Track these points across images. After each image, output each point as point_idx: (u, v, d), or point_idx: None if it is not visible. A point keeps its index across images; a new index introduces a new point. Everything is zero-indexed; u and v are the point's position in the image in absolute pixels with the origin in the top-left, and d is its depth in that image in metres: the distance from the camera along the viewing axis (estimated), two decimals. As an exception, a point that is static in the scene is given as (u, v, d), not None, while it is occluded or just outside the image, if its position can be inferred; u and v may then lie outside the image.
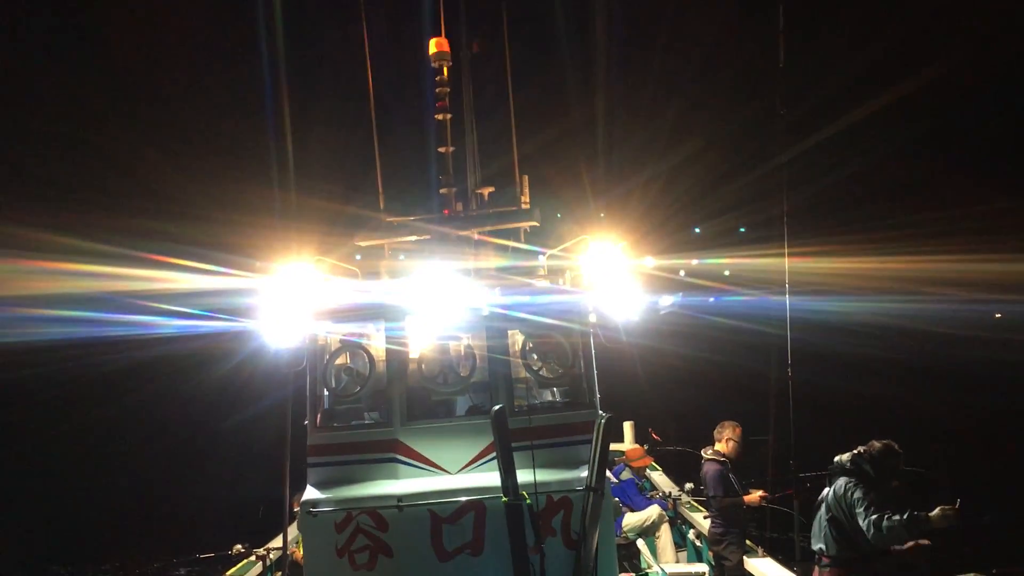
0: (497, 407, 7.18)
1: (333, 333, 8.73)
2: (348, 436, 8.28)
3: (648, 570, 11.24)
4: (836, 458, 7.66)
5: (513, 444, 7.15)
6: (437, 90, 9.70)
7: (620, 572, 9.09)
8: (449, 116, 9.70)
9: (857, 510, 7.15)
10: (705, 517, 12.18)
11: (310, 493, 7.77)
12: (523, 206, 9.88)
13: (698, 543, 12.97)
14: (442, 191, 9.74)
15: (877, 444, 7.54)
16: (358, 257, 9.18)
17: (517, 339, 8.86)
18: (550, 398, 8.84)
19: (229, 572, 11.62)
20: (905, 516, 6.90)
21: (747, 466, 11.13)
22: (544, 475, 7.30)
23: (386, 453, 8.04)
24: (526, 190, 9.91)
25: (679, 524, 13.71)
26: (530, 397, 8.60)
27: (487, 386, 8.36)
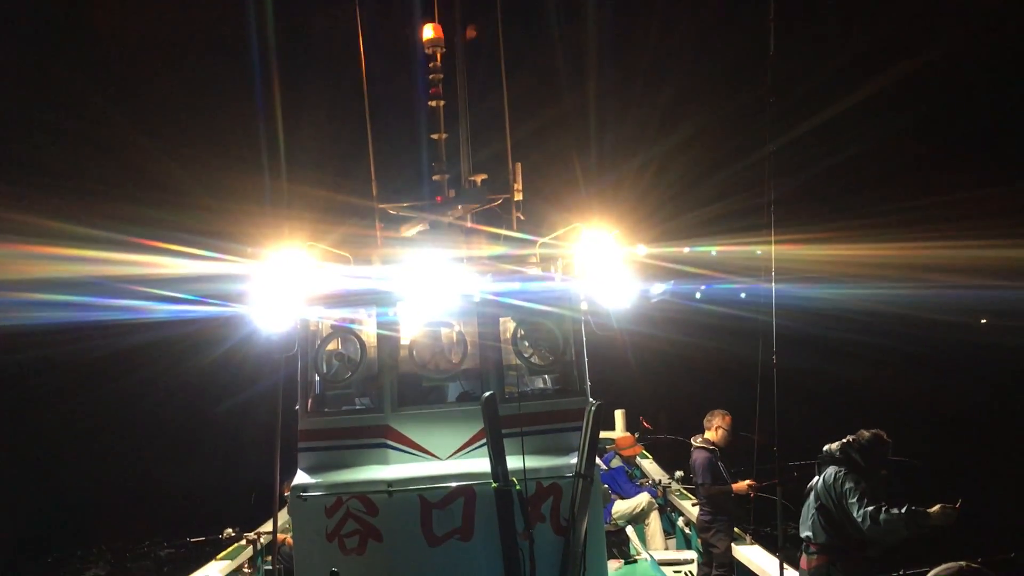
0: (488, 394, 7.20)
1: (324, 319, 8.74)
2: (339, 421, 8.30)
3: (637, 556, 11.30)
4: (825, 447, 7.68)
5: (504, 430, 7.18)
6: (431, 76, 9.68)
7: (609, 558, 9.14)
8: (443, 103, 9.69)
9: (850, 500, 7.14)
10: (694, 505, 12.26)
11: (300, 478, 7.79)
12: (516, 194, 9.89)
13: (687, 530, 13.06)
14: (435, 178, 9.74)
15: (866, 433, 7.57)
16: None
17: (509, 326, 8.87)
18: (541, 385, 8.87)
19: (219, 555, 11.65)
20: (903, 510, 6.86)
21: (737, 454, 11.19)
22: (534, 461, 7.33)
23: (376, 438, 8.06)
24: (519, 177, 9.92)
25: (668, 511, 13.80)
26: (521, 384, 8.63)
27: (478, 373, 8.38)
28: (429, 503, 7.45)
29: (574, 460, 7.48)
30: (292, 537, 9.21)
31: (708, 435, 11.11)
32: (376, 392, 8.31)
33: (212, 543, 11.53)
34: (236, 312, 8.58)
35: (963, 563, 3.59)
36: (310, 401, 8.38)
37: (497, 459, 7.16)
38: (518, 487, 7.21)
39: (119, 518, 22.71)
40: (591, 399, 7.97)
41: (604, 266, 8.36)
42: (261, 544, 11.88)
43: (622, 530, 11.94)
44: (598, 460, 7.68)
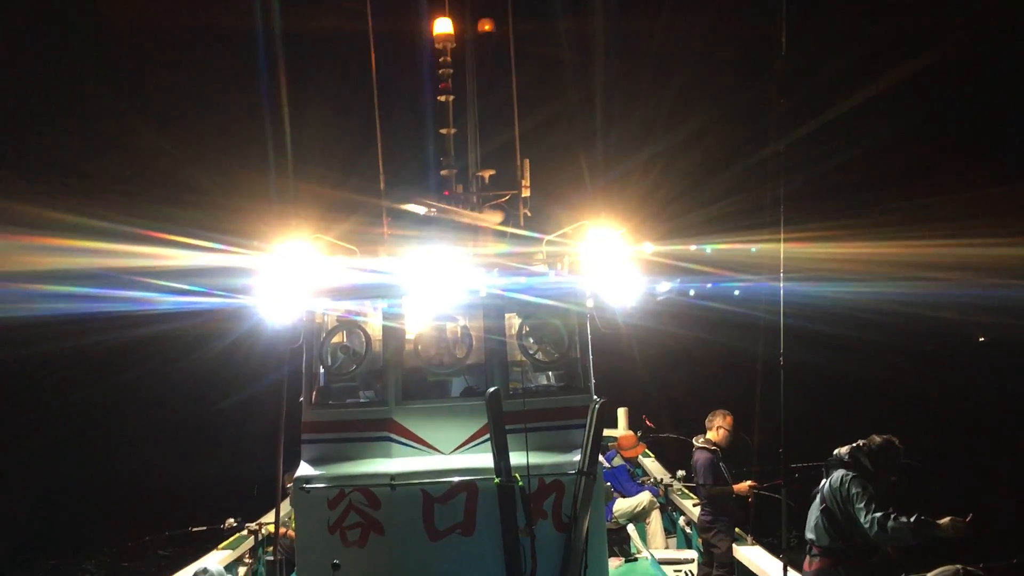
0: (492, 389, 7.21)
1: (330, 311, 8.75)
2: (343, 414, 8.31)
3: (638, 555, 11.31)
4: (835, 451, 7.61)
5: (507, 426, 7.19)
6: (440, 71, 9.67)
7: (610, 556, 9.15)
8: (452, 98, 9.69)
9: (857, 505, 7.06)
10: (695, 505, 12.25)
11: (303, 469, 7.80)
12: (524, 190, 9.89)
13: (688, 530, 13.05)
14: (443, 173, 9.74)
15: (877, 438, 7.47)
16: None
17: (513, 322, 8.88)
18: (545, 382, 8.87)
19: (221, 545, 11.68)
20: (912, 519, 6.76)
21: (739, 455, 11.17)
22: (537, 458, 7.34)
23: (380, 432, 8.07)
24: (527, 173, 9.92)
25: (669, 511, 13.78)
26: (525, 380, 8.63)
27: (483, 368, 8.39)
28: (432, 497, 7.46)
29: (577, 457, 7.48)
30: (294, 528, 9.23)
31: (710, 435, 11.09)
32: (380, 385, 8.32)
33: (213, 533, 11.54)
34: (242, 304, 8.59)
35: (959, 566, 3.56)
36: (314, 393, 8.39)
37: (500, 455, 7.17)
38: (520, 483, 7.22)
39: (123, 509, 22.75)
40: (595, 396, 7.97)
41: (610, 264, 8.35)
42: (263, 535, 11.91)
43: (623, 528, 11.94)
44: (600, 458, 7.67)
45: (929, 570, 6.73)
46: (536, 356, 8.53)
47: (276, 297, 8.28)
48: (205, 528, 11.27)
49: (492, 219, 9.49)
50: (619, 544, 11.16)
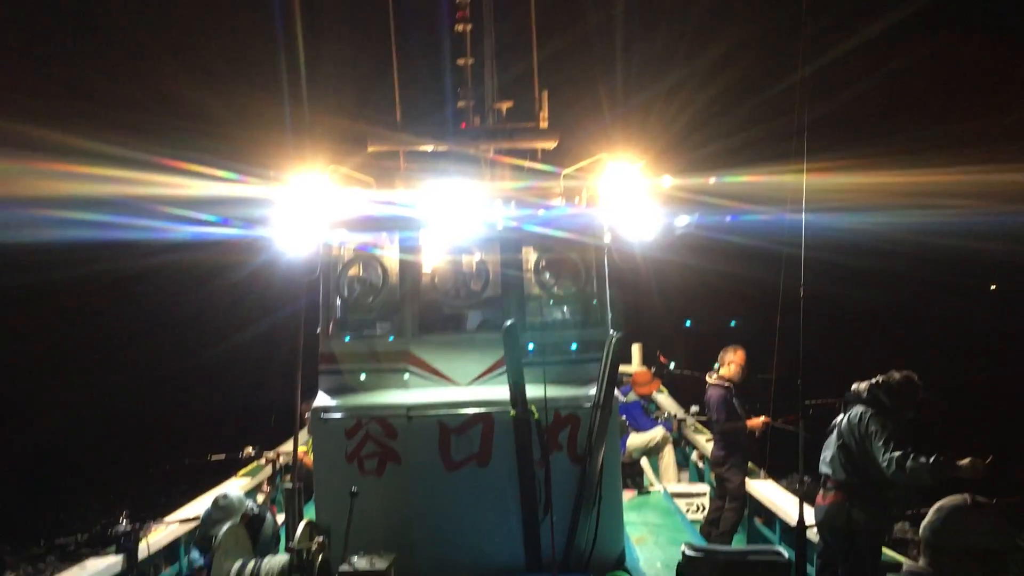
0: (509, 322, 7.21)
1: (347, 243, 8.73)
2: (360, 346, 8.35)
3: (651, 488, 11.44)
4: (853, 386, 7.56)
5: (523, 359, 7.20)
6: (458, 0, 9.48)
7: (624, 489, 9.24)
8: (469, 27, 9.50)
9: (876, 443, 7.03)
10: (708, 440, 12.33)
11: (321, 399, 7.87)
12: (542, 123, 9.74)
13: (700, 464, 13.16)
14: (459, 104, 9.61)
15: (897, 375, 7.39)
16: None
17: (530, 256, 8.84)
18: (561, 316, 8.86)
19: (240, 472, 11.87)
20: (931, 460, 6.72)
21: (754, 390, 11.16)
22: (553, 391, 7.36)
23: (397, 363, 8.12)
24: (545, 106, 9.77)
25: (683, 445, 13.89)
26: (542, 314, 8.63)
27: (499, 301, 8.38)
28: (448, 428, 7.52)
29: (593, 391, 7.50)
30: (311, 457, 9.35)
31: (722, 371, 11.09)
32: (398, 317, 8.34)
33: (231, 462, 11.71)
34: (259, 236, 8.56)
35: (967, 496, 3.56)
36: (332, 325, 8.41)
37: (516, 387, 7.20)
38: (536, 416, 7.26)
39: (139, 438, 23.09)
40: (612, 331, 7.96)
41: (628, 198, 8.26)
42: (280, 464, 12.09)
43: (636, 462, 12.06)
44: (616, 392, 7.69)
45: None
46: (553, 290, 8.50)
47: (292, 229, 8.25)
48: (224, 457, 11.43)
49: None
50: (632, 477, 11.28)
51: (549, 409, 7.30)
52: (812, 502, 7.60)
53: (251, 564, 6.35)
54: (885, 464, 6.90)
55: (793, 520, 7.75)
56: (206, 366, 29.94)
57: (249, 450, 11.59)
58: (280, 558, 6.36)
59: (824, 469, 7.45)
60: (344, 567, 6.44)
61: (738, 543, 10.66)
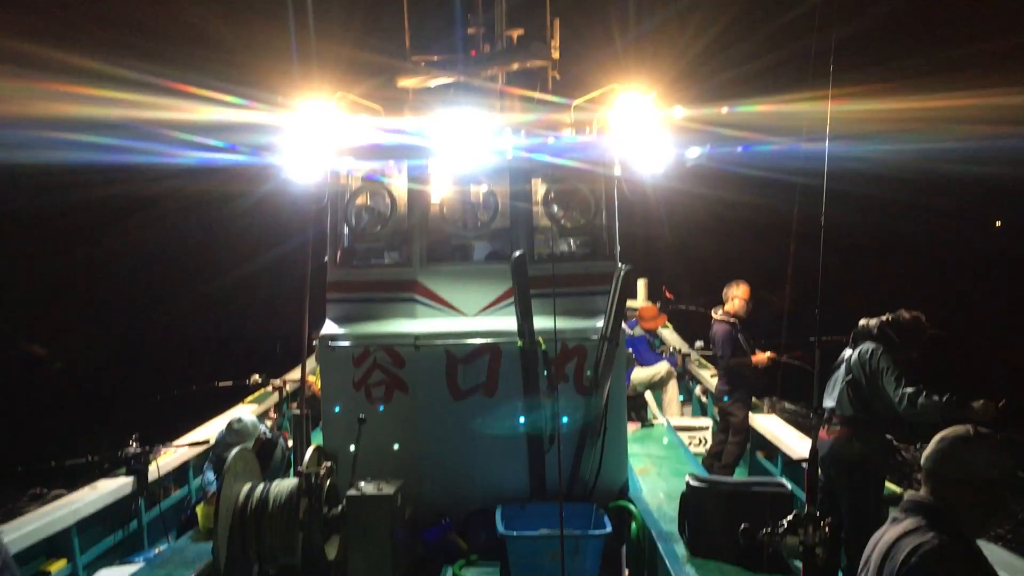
0: (518, 253, 7.18)
1: (354, 171, 8.66)
2: (368, 274, 8.34)
3: (654, 421, 11.55)
4: (861, 322, 7.58)
5: (532, 291, 7.20)
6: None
7: (628, 421, 9.32)
8: (480, -52, 9.26)
9: (886, 378, 7.04)
10: (712, 375, 12.39)
11: (329, 327, 7.89)
12: (553, 52, 9.57)
13: (704, 399, 13.28)
14: (469, 31, 9.43)
15: (906, 314, 7.39)
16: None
17: (539, 187, 8.77)
18: (569, 248, 8.83)
19: (247, 399, 12.01)
20: (944, 399, 6.73)
21: (762, 323, 11.16)
22: (560, 323, 7.35)
23: (405, 293, 8.12)
24: (556, 35, 9.58)
25: (687, 380, 14.00)
26: (550, 246, 8.60)
27: (507, 232, 8.34)
28: (455, 358, 7.56)
29: (600, 323, 7.51)
30: (319, 385, 9.43)
31: (728, 307, 11.11)
32: (405, 247, 8.31)
33: (239, 389, 11.82)
34: (266, 163, 8.49)
35: (970, 427, 3.57)
36: (339, 253, 8.40)
37: (524, 318, 7.21)
38: (543, 347, 7.29)
39: (147, 364, 23.25)
40: (620, 263, 7.94)
41: (639, 129, 8.15)
42: (287, 391, 12.22)
43: (641, 396, 12.15)
44: (624, 325, 7.69)
45: None
46: (562, 222, 8.46)
47: (300, 156, 8.18)
48: (231, 384, 11.54)
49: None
50: (636, 410, 11.37)
51: (556, 340, 7.32)
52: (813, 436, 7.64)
53: (260, 487, 6.44)
54: (897, 400, 6.93)
55: (794, 454, 7.81)
56: (214, 294, 30.03)
57: (256, 377, 11.71)
58: (289, 482, 6.44)
59: (830, 403, 7.48)
60: (352, 491, 6.53)
61: (740, 476, 10.80)
